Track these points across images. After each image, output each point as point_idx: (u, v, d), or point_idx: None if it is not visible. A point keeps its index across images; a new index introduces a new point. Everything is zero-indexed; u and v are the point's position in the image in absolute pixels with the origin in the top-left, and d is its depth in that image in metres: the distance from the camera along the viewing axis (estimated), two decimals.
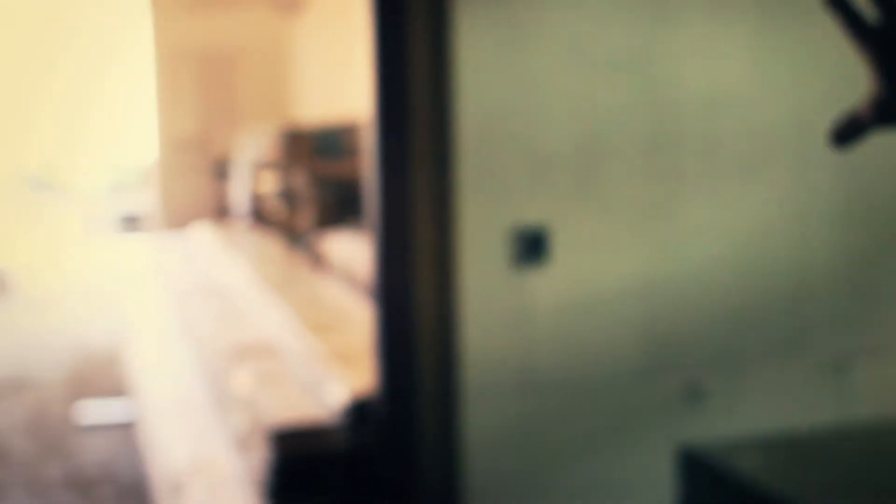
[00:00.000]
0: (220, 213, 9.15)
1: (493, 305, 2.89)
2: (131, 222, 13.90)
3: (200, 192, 9.52)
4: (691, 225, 3.02)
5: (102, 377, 6.81)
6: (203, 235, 7.22)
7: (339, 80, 7.74)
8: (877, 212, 3.15)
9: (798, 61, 3.06)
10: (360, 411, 3.26)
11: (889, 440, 2.64)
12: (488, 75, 2.81)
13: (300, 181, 6.65)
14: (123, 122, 16.45)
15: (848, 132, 0.85)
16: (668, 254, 3.01)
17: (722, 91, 3.00)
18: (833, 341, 3.14)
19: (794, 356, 3.15)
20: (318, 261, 5.96)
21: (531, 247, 2.89)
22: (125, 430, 5.67)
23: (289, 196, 6.88)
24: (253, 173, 7.50)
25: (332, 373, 3.57)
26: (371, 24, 2.87)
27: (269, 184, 7.40)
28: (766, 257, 3.09)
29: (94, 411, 5.99)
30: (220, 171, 9.38)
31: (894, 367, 3.22)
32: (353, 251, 5.39)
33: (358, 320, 4.32)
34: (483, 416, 2.91)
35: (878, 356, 3.20)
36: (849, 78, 2.55)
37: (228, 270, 5.86)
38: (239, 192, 7.76)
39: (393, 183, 2.92)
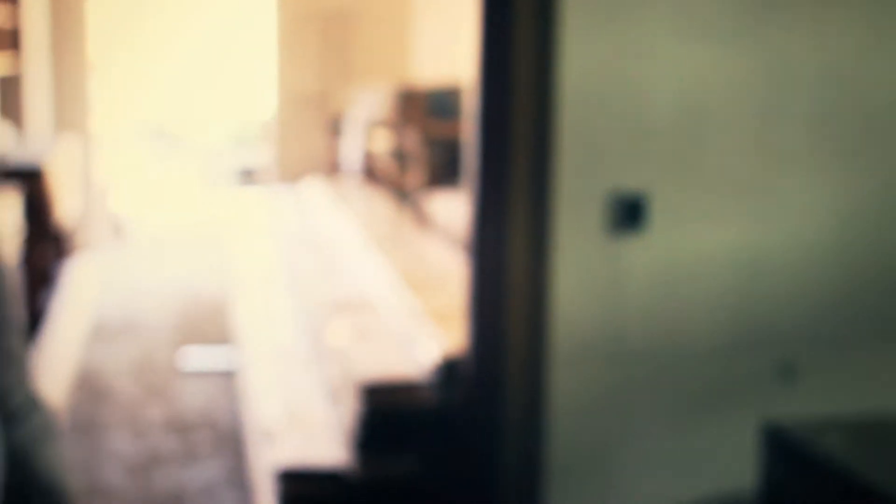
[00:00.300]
0: (334, 168, 9.24)
1: (586, 270, 2.88)
2: (247, 175, 14.13)
3: (315, 148, 9.63)
4: (793, 201, 2.96)
5: (207, 324, 6.97)
6: (315, 190, 7.30)
7: (452, 42, 7.74)
8: None
9: None
10: (450, 370, 3.28)
11: None
12: (593, 42, 2.79)
13: (412, 140, 6.68)
14: (245, 77, 16.69)
15: None
16: (768, 229, 2.95)
17: (833, 66, 2.92)
18: None
19: (891, 341, 3.08)
20: (424, 219, 5.99)
21: (628, 214, 2.87)
22: (225, 377, 5.80)
23: (400, 154, 6.92)
24: (366, 131, 7.56)
25: (426, 330, 3.60)
26: None
27: (382, 141, 7.44)
28: (867, 239, 3.02)
29: (197, 357, 6.14)
30: (336, 127, 9.46)
31: None
32: (459, 211, 5.41)
33: (457, 280, 4.34)
34: (570, 382, 2.91)
35: None
36: None
37: (337, 225, 5.93)
38: (352, 149, 7.83)
39: (492, 145, 2.92)
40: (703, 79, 2.86)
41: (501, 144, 2.89)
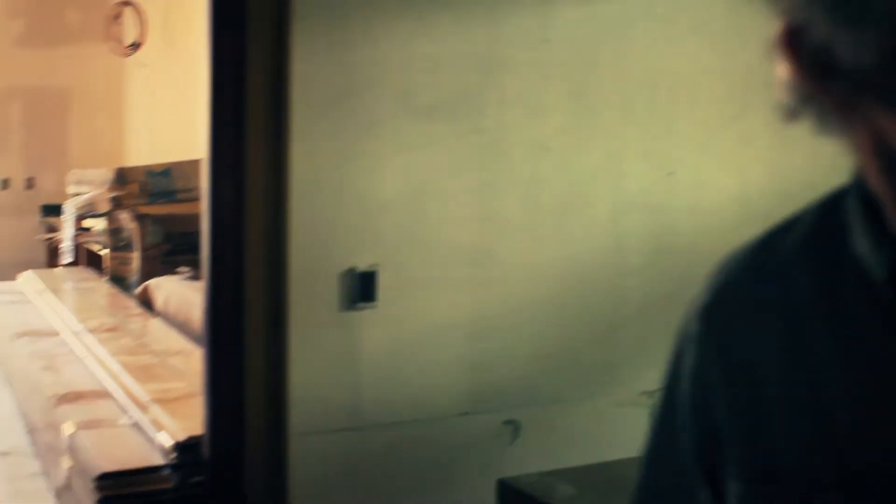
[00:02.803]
0: (48, 257, 8.92)
1: (322, 346, 2.94)
2: None
3: (26, 236, 9.27)
4: (512, 266, 3.13)
5: None
6: (28, 281, 7.04)
7: (172, 120, 7.69)
8: (681, 252, 3.30)
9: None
10: (188, 453, 3.26)
11: None
12: (322, 122, 2.87)
13: (130, 224, 6.57)
14: None
15: None
16: (491, 293, 3.11)
17: (543, 138, 3.13)
18: (643, 376, 3.27)
19: (606, 392, 3.29)
20: (146, 305, 5.90)
21: (361, 289, 2.95)
22: None
23: (118, 239, 6.79)
24: (82, 216, 7.37)
25: (158, 415, 3.56)
26: (210, 67, 2.89)
27: (99, 227, 7.28)
28: (580, 297, 3.22)
29: None
30: (48, 213, 9.16)
31: None
32: (182, 295, 5.36)
33: (187, 363, 4.31)
34: (311, 455, 2.95)
35: None
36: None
37: (55, 316, 5.74)
38: (67, 236, 7.61)
39: (226, 226, 2.94)
40: (428, 155, 2.99)
41: (235, 228, 2.91)
